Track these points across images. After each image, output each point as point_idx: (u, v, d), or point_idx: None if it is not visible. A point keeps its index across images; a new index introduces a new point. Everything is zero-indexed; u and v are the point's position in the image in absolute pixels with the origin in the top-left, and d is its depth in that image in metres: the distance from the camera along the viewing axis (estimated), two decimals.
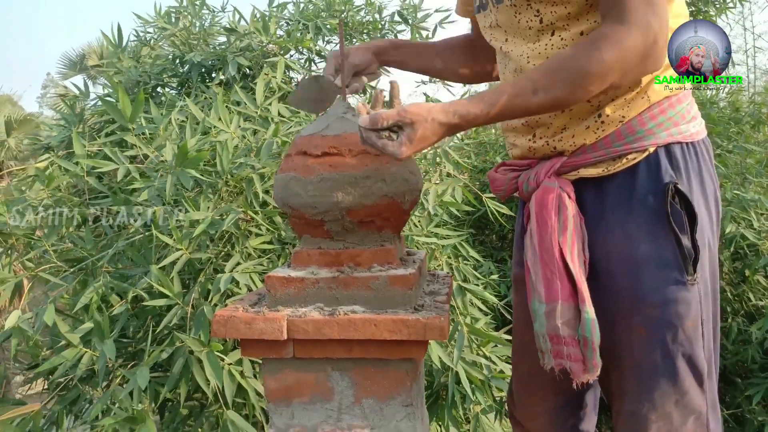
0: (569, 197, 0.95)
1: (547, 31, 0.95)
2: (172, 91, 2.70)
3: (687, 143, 0.95)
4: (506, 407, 1.24)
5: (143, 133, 1.86)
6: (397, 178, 0.92)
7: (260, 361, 1.57)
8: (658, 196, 0.92)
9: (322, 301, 0.92)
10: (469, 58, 1.24)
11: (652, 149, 0.94)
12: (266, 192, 1.72)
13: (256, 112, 1.92)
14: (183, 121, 1.94)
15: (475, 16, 1.12)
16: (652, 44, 0.84)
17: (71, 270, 1.75)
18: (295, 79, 2.77)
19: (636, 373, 0.96)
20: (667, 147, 0.94)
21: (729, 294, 2.48)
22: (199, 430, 1.63)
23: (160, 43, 2.85)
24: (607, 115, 0.94)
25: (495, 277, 2.60)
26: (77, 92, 2.68)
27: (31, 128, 9.90)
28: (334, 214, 0.92)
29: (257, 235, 1.69)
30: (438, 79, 2.99)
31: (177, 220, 1.60)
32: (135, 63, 2.74)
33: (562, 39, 0.94)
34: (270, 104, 1.98)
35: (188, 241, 1.55)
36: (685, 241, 0.91)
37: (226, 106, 1.98)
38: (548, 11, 0.94)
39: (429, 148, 0.90)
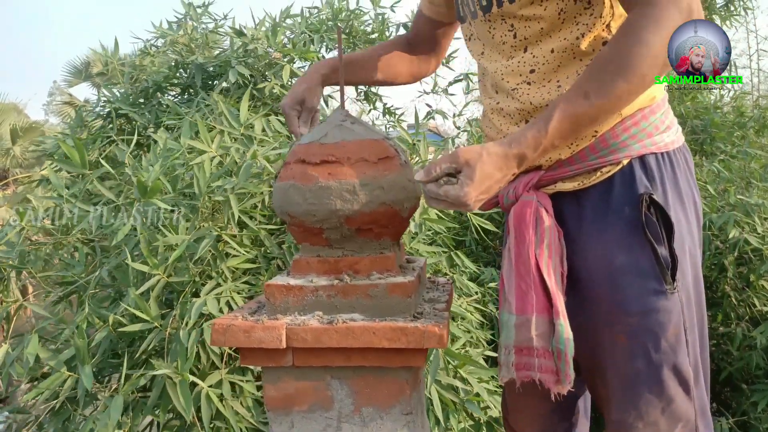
0: (546, 211, 0.96)
1: (520, 47, 0.97)
2: (174, 98, 2.71)
3: (662, 153, 0.96)
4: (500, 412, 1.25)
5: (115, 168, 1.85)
6: (396, 186, 0.92)
7: (241, 382, 1.58)
8: (633, 207, 0.93)
9: (321, 309, 0.91)
10: (408, 62, 1.28)
11: (626, 161, 0.95)
12: (247, 213, 1.72)
13: (239, 131, 1.91)
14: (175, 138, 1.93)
15: (437, 18, 1.21)
16: (688, 13, 0.81)
17: (60, 294, 1.76)
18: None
19: (620, 382, 0.97)
20: (642, 158, 0.95)
21: (734, 299, 2.47)
22: None
23: (166, 50, 2.86)
24: None
25: (493, 285, 2.60)
26: (82, 101, 2.71)
27: (37, 136, 9.96)
28: (333, 221, 0.92)
29: (237, 255, 1.68)
30: (441, 90, 3.01)
31: (152, 246, 1.61)
32: (135, 71, 2.75)
33: (534, 56, 0.96)
34: (254, 121, 1.96)
35: (164, 267, 1.56)
36: (662, 251, 0.92)
37: (211, 120, 1.97)
38: (522, 26, 0.95)
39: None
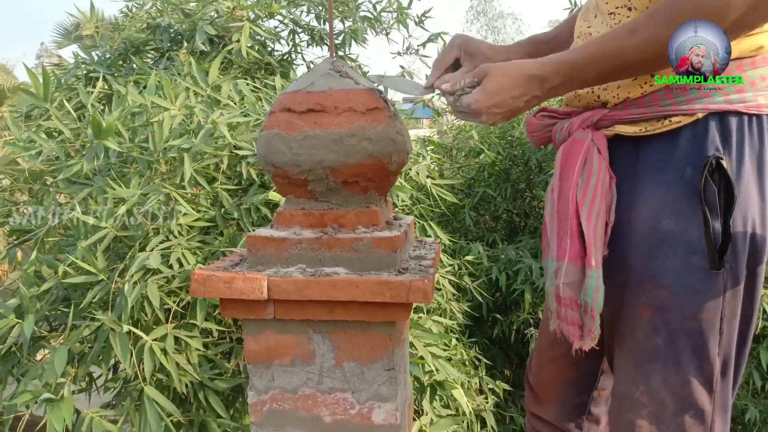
0: (600, 152, 0.88)
1: None
2: (153, 60, 2.69)
3: (750, 115, 0.82)
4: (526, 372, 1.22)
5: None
6: (384, 138, 0.90)
7: (187, 338, 1.58)
8: (696, 169, 0.82)
9: (304, 262, 0.89)
10: None
11: (701, 115, 0.82)
12: (208, 174, 1.73)
13: (206, 91, 1.90)
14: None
15: None
16: None
17: (17, 242, 1.77)
18: (278, 51, 2.76)
19: (635, 353, 0.89)
20: (722, 115, 0.82)
21: None
22: (122, 404, 1.63)
23: (141, 12, 2.82)
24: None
25: (470, 258, 2.62)
26: (71, 62, 2.68)
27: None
28: (318, 173, 0.89)
29: (187, 213, 1.68)
30: (413, 51, 2.93)
31: (103, 197, 1.62)
32: (116, 33, 2.72)
33: None
34: (222, 83, 1.96)
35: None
36: (715, 225, 0.81)
37: (177, 79, 1.96)
38: None
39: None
